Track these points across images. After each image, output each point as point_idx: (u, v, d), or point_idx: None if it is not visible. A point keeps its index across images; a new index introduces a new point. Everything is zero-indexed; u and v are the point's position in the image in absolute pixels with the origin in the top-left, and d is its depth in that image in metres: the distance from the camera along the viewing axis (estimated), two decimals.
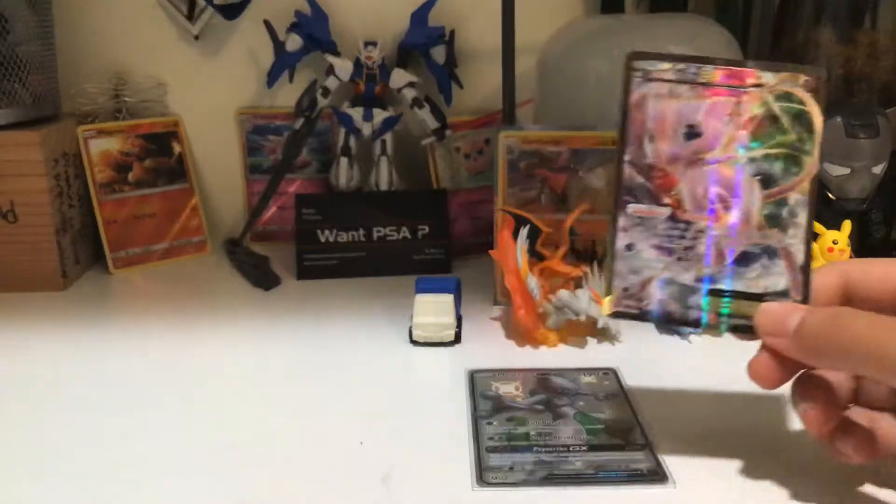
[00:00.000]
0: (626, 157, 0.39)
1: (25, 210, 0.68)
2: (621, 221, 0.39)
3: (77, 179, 0.74)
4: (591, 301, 0.55)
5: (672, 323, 0.39)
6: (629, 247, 0.39)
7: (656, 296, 0.38)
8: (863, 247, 0.64)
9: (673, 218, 0.38)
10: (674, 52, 0.40)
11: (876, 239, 0.67)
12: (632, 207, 0.39)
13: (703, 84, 0.38)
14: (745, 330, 0.38)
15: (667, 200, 0.38)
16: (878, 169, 0.60)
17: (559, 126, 0.61)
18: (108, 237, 0.75)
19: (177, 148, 0.79)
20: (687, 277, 0.38)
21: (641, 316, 0.39)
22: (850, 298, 0.37)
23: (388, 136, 0.78)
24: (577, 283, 0.57)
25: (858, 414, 0.38)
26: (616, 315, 0.39)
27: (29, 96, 0.70)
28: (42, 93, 0.72)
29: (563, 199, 0.61)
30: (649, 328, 0.58)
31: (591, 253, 0.61)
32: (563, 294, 0.55)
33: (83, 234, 0.74)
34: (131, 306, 0.69)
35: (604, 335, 0.56)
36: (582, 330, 0.56)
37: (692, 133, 0.38)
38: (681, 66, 0.38)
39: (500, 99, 0.65)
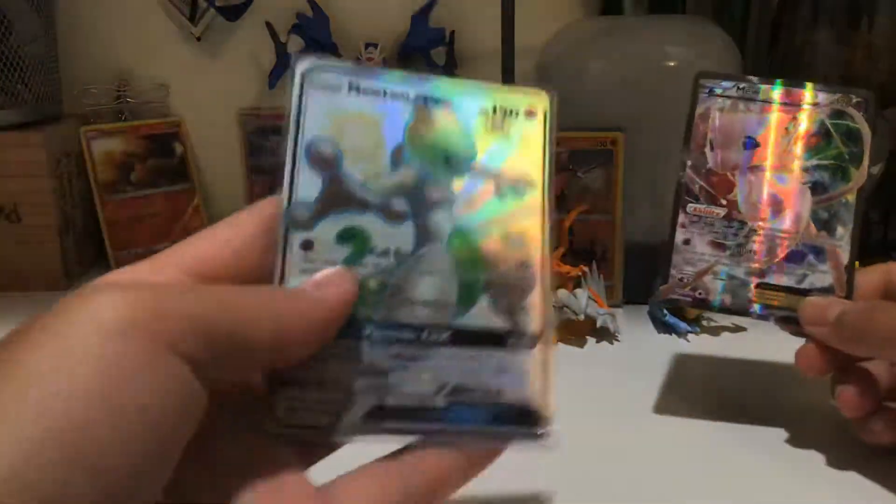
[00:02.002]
0: (689, 162, 0.43)
1: (28, 210, 0.69)
2: (681, 218, 0.43)
3: (79, 180, 0.74)
4: (589, 300, 0.55)
5: (726, 312, 0.43)
6: (686, 241, 0.43)
7: (710, 287, 0.42)
8: (861, 247, 0.64)
9: (728, 217, 0.42)
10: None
11: (874, 239, 0.67)
12: (691, 206, 0.43)
13: (762, 101, 0.43)
14: (791, 321, 0.41)
15: (723, 202, 0.43)
16: (875, 169, 0.61)
17: (559, 126, 0.61)
18: (110, 237, 0.75)
19: (179, 148, 0.80)
20: (740, 271, 0.42)
21: (694, 303, 0.43)
22: (890, 297, 0.40)
23: None
24: (577, 283, 0.57)
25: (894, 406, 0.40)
26: (669, 301, 0.43)
27: (32, 97, 0.71)
28: (45, 93, 0.72)
29: (563, 200, 0.61)
30: (648, 328, 0.58)
31: (589, 253, 0.61)
32: (563, 293, 0.55)
33: (86, 235, 0.75)
34: None
35: (603, 335, 0.56)
36: (581, 329, 0.56)
37: (750, 143, 0.43)
38: (743, 84, 0.43)
39: None
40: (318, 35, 0.77)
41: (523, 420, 0.27)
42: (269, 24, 0.78)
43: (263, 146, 0.83)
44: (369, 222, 0.27)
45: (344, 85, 0.28)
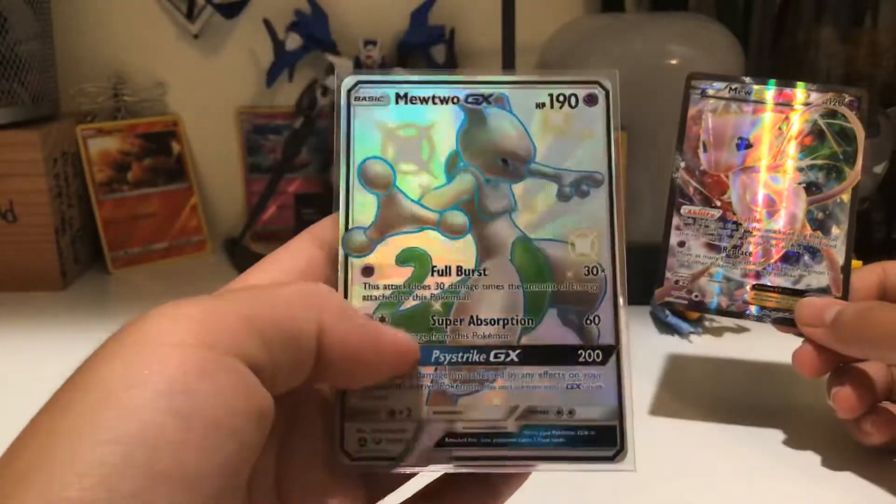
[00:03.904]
0: (682, 164, 0.43)
1: (24, 210, 0.68)
2: (675, 220, 0.42)
3: (76, 179, 0.73)
4: None
5: (723, 315, 0.42)
6: (681, 244, 0.42)
7: (706, 289, 0.42)
8: (863, 247, 0.64)
9: (723, 219, 0.42)
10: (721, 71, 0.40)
11: (876, 239, 0.67)
12: (685, 208, 0.42)
13: (755, 101, 0.43)
14: (787, 322, 0.41)
15: (718, 203, 0.42)
16: (878, 169, 0.60)
17: None
18: (107, 237, 0.74)
19: (176, 147, 0.79)
20: (735, 273, 0.42)
21: (691, 306, 0.42)
22: (887, 296, 0.40)
23: None
24: None
25: (889, 406, 0.40)
26: (665, 304, 0.43)
27: (28, 96, 0.70)
28: (41, 92, 0.71)
29: None
30: (650, 329, 0.58)
31: None
32: None
33: (82, 234, 0.74)
34: (130, 306, 0.68)
35: None
36: None
37: (744, 144, 0.42)
38: (735, 85, 0.43)
39: None
40: (316, 32, 0.77)
41: (599, 441, 0.25)
42: (267, 22, 0.77)
43: (261, 145, 0.83)
44: (428, 240, 0.26)
45: (391, 97, 0.27)
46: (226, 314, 0.21)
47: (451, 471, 0.25)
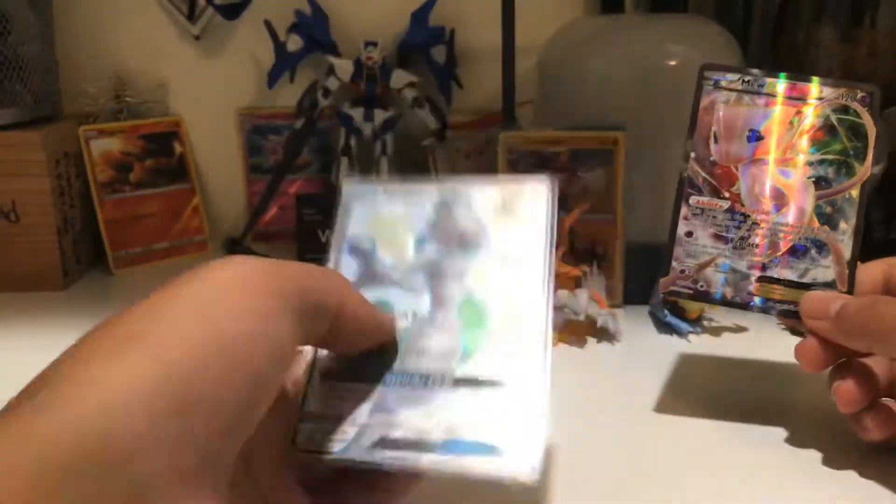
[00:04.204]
0: (693, 155, 0.43)
1: (27, 210, 0.68)
2: (683, 210, 0.43)
3: (78, 179, 0.74)
4: (590, 301, 0.55)
5: (727, 305, 0.42)
6: (689, 234, 0.42)
7: (712, 279, 0.42)
8: (863, 247, 0.64)
9: (731, 210, 0.42)
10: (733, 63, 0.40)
11: (876, 239, 0.67)
12: (694, 199, 0.43)
13: (767, 94, 0.43)
14: (792, 315, 0.41)
15: (726, 194, 0.42)
16: (877, 169, 0.60)
17: (559, 126, 0.61)
18: (109, 237, 0.75)
19: (178, 148, 0.80)
20: (741, 265, 0.42)
21: (695, 295, 0.42)
22: (891, 291, 0.40)
23: (388, 137, 0.78)
24: (577, 283, 0.57)
25: (890, 402, 0.40)
26: (671, 294, 0.43)
27: (30, 96, 0.70)
28: (43, 93, 0.72)
29: (563, 200, 0.61)
30: (649, 328, 0.58)
31: (590, 253, 0.61)
32: (563, 294, 0.55)
33: (84, 234, 0.75)
34: None
35: (603, 335, 0.56)
36: (581, 329, 0.56)
37: (754, 136, 0.42)
38: (748, 77, 0.43)
39: (500, 99, 0.65)
40: (317, 34, 0.77)
41: (511, 454, 0.29)
42: (267, 23, 0.78)
43: (262, 145, 0.83)
44: (394, 294, 0.34)
45: (380, 192, 0.36)
46: (283, 270, 0.27)
47: (378, 468, 0.30)
